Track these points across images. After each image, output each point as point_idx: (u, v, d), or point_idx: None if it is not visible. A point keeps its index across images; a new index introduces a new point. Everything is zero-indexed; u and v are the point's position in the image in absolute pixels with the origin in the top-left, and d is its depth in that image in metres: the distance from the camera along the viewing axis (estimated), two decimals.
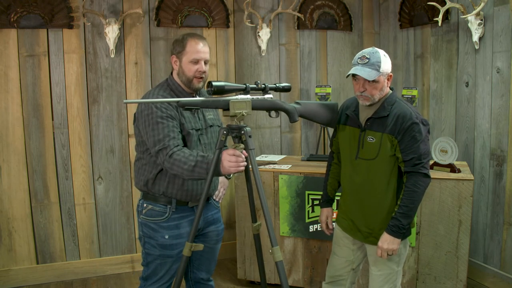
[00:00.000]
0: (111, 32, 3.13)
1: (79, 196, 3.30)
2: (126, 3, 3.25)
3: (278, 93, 3.69)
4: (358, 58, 1.87)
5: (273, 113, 1.95)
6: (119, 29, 3.17)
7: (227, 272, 3.42)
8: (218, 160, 1.76)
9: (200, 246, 1.87)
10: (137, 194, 3.39)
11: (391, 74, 1.91)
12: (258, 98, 1.86)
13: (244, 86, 1.81)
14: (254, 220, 1.99)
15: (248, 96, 1.82)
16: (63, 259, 3.30)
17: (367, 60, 1.83)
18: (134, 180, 2.08)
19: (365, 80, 1.84)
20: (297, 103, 2.02)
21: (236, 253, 3.21)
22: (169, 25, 3.38)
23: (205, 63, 1.96)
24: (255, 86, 1.85)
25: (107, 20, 3.13)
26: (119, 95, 3.33)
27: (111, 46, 3.16)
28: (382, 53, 1.86)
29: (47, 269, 3.26)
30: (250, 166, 1.85)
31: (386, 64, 1.86)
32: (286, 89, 1.94)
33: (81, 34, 3.20)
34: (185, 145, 1.95)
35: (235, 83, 1.85)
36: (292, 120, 1.99)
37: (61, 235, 3.28)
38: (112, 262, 3.41)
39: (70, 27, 3.15)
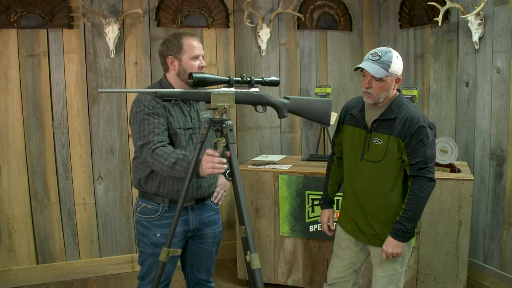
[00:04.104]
0: (111, 32, 3.13)
1: (79, 196, 3.30)
2: (126, 3, 3.25)
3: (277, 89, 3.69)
4: (370, 54, 1.86)
5: (259, 107, 1.90)
6: (119, 29, 3.17)
7: (227, 272, 3.42)
8: (199, 156, 1.70)
9: (178, 251, 1.85)
10: (136, 194, 3.39)
11: (400, 77, 1.88)
12: (242, 91, 1.80)
13: (228, 78, 1.77)
14: (241, 222, 1.86)
15: (232, 89, 1.77)
16: (63, 259, 3.30)
17: (378, 58, 1.82)
18: (132, 178, 2.09)
19: (372, 77, 1.83)
20: (286, 98, 1.96)
21: (236, 253, 3.21)
22: (169, 25, 3.38)
23: (203, 57, 1.99)
24: (239, 79, 1.79)
25: (107, 20, 3.13)
26: (119, 95, 3.33)
27: (111, 46, 3.16)
28: (395, 54, 1.85)
29: (47, 269, 3.26)
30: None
31: (396, 65, 1.84)
32: (274, 83, 1.89)
33: (81, 34, 3.20)
34: (173, 144, 1.93)
35: None
36: (280, 115, 1.94)
37: (61, 235, 3.28)
38: (112, 262, 3.41)
39: (70, 27, 3.14)
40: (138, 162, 2.01)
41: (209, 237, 2.11)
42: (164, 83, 2.00)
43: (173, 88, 1.97)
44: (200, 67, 1.95)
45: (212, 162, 1.67)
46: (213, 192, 2.12)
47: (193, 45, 1.93)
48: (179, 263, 2.21)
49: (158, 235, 1.98)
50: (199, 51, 1.95)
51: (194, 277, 2.18)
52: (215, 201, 2.13)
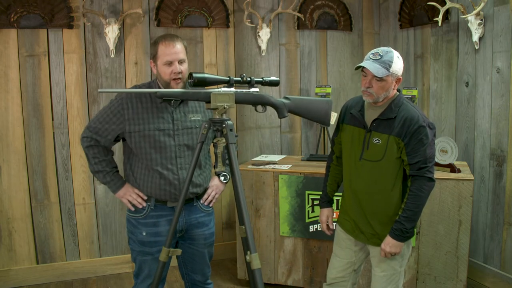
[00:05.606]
0: (111, 32, 3.13)
1: (79, 196, 3.30)
2: (126, 3, 3.25)
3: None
4: (371, 53, 1.86)
5: (259, 107, 1.90)
6: (119, 29, 3.17)
7: (227, 272, 3.42)
8: (199, 154, 1.74)
9: (178, 251, 1.86)
10: None
11: (400, 77, 1.88)
12: (242, 91, 1.81)
13: (228, 78, 1.77)
14: (241, 222, 1.75)
15: (232, 89, 1.77)
16: (63, 259, 3.30)
17: (379, 57, 1.82)
18: None
19: (373, 76, 1.83)
20: (286, 98, 1.96)
21: (236, 253, 3.21)
22: (169, 25, 3.38)
23: (181, 62, 1.90)
24: (239, 79, 1.80)
25: (107, 20, 3.13)
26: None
27: (111, 46, 3.16)
28: (396, 54, 1.85)
29: (47, 269, 3.26)
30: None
31: (397, 65, 1.84)
32: (274, 83, 1.89)
33: (81, 34, 3.20)
34: (142, 146, 1.93)
35: None
36: (280, 115, 1.94)
37: (61, 235, 3.28)
38: (112, 262, 3.41)
39: (70, 27, 3.14)
40: (125, 162, 2.06)
41: (199, 239, 2.08)
42: (154, 84, 2.00)
43: (161, 89, 1.95)
44: (174, 73, 1.88)
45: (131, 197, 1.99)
46: (201, 193, 2.07)
47: (167, 51, 1.87)
48: (174, 264, 2.21)
49: (144, 233, 1.99)
50: (172, 57, 1.87)
51: (190, 278, 2.18)
52: (205, 203, 2.08)
